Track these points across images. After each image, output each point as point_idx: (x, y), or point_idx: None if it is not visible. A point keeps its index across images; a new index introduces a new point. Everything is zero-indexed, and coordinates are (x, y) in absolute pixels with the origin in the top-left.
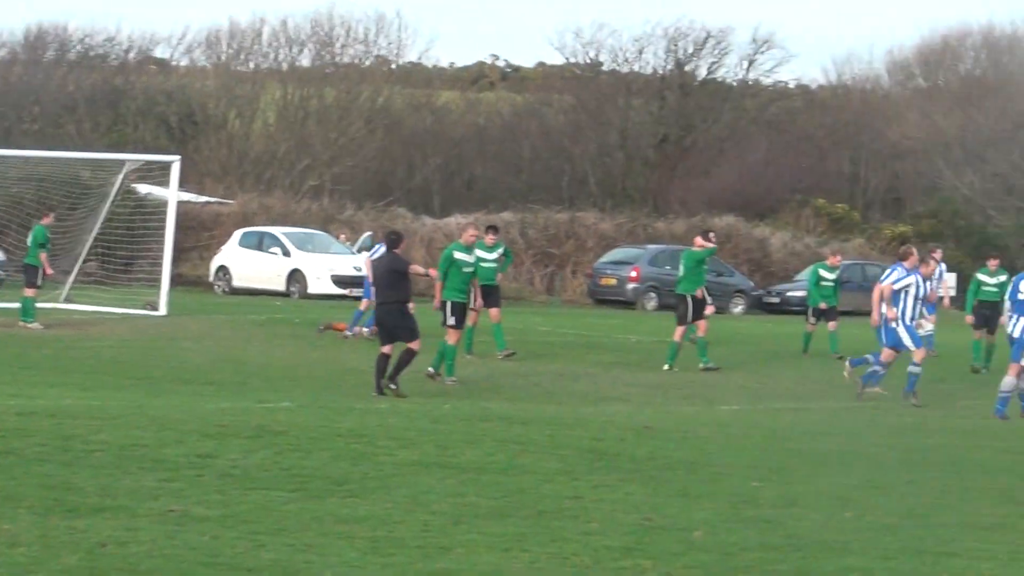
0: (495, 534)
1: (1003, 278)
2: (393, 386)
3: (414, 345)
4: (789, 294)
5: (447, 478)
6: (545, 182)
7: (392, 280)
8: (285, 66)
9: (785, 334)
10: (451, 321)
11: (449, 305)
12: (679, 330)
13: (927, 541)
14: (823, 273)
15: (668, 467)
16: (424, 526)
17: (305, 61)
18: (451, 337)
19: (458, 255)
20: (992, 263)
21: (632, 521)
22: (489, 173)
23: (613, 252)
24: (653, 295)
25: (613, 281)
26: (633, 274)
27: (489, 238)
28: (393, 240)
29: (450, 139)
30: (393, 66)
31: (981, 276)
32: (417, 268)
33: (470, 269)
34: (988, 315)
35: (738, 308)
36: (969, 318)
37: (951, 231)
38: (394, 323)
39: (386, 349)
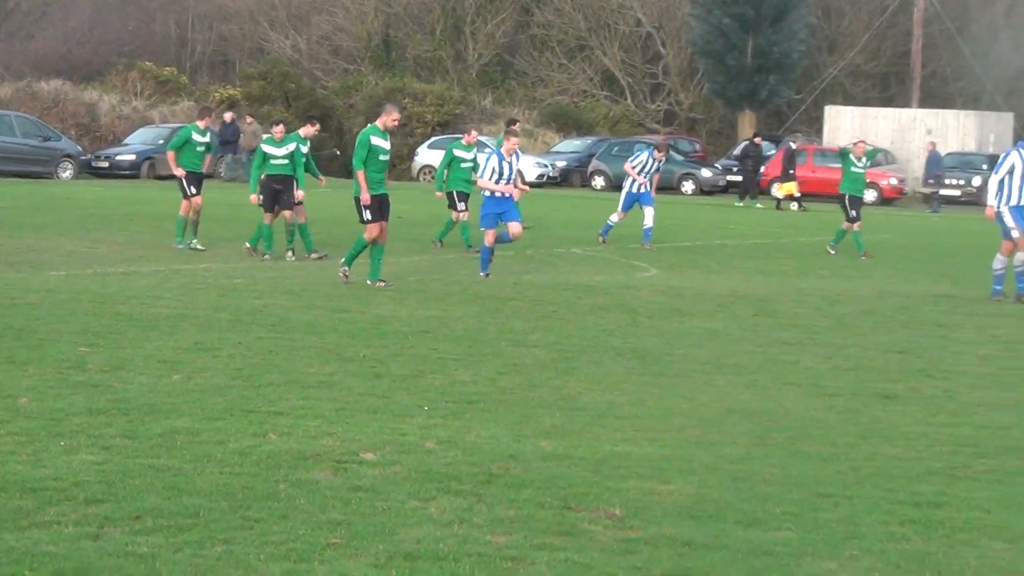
0: None
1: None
2: None
3: None
4: (119, 158)
5: None
6: None
7: None
8: None
9: (113, 198)
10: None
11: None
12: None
13: (255, 401)
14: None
15: None
16: None
17: None
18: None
19: None
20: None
21: None
22: None
23: None
24: None
25: None
26: None
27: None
28: None
29: None
30: None
31: (266, 147)
32: None
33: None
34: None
35: (67, 173)
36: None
37: (280, 93)
38: None
39: None
